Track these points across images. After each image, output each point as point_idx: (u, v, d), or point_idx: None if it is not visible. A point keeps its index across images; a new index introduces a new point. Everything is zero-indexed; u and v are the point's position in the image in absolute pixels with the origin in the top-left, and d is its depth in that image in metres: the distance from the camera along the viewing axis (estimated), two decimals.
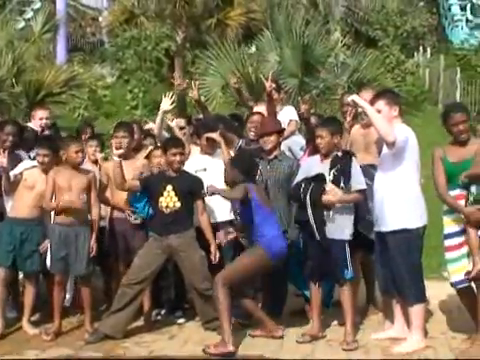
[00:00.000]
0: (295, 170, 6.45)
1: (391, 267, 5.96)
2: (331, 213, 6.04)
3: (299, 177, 6.24)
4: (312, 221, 6.05)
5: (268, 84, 6.85)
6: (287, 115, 7.53)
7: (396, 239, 5.89)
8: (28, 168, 6.67)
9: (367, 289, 6.91)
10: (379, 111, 5.95)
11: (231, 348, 5.88)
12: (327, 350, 6.02)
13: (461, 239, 5.84)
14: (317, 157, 6.24)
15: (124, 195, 6.69)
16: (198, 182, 6.51)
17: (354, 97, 6.11)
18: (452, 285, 5.95)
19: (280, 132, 6.63)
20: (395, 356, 5.81)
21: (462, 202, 5.78)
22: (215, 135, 6.74)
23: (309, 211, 6.06)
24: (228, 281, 5.96)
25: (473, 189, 5.70)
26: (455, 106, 6.29)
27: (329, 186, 6.03)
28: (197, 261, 6.33)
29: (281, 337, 6.26)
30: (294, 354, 5.92)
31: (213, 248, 6.44)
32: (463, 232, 5.82)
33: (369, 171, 6.25)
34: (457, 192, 5.84)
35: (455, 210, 5.83)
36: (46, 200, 6.42)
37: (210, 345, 5.91)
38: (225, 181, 6.30)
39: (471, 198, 5.70)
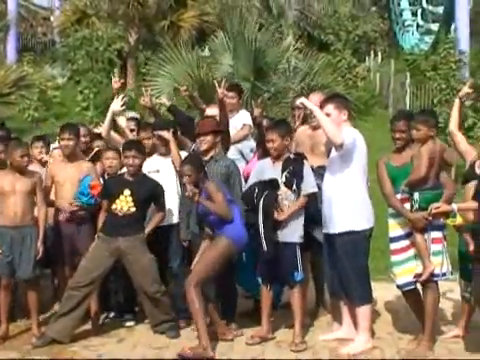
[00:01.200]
0: (232, 170, 6.43)
1: (338, 269, 6.04)
2: (281, 217, 6.07)
3: (251, 180, 6.26)
4: (261, 228, 6.07)
5: (220, 91, 6.82)
6: (241, 119, 7.54)
7: (343, 241, 5.96)
8: None
9: (316, 291, 6.97)
10: (328, 115, 6.01)
11: (210, 353, 5.87)
12: (276, 351, 6.06)
13: (406, 242, 5.92)
14: (269, 160, 6.27)
15: (69, 196, 6.64)
16: (158, 188, 6.48)
17: (303, 100, 6.18)
18: (398, 287, 6.02)
19: (217, 132, 6.56)
20: (342, 357, 5.88)
21: (407, 205, 5.86)
22: (165, 133, 6.72)
23: (260, 218, 6.08)
24: (199, 281, 5.95)
25: (416, 196, 5.79)
26: (400, 114, 6.42)
27: (282, 191, 6.06)
28: (146, 264, 6.31)
29: (232, 339, 6.28)
30: (244, 356, 5.95)
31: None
32: (408, 235, 5.91)
33: (319, 172, 6.29)
34: (400, 196, 5.91)
35: (400, 214, 5.92)
36: None
37: (186, 349, 5.88)
38: (181, 181, 6.31)
39: (415, 205, 5.79)
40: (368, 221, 6.04)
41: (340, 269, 6.01)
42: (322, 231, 6.19)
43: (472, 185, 5.86)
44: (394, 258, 5.99)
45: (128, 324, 6.75)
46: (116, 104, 7.23)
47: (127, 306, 6.87)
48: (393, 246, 5.99)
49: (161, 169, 6.78)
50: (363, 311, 6.00)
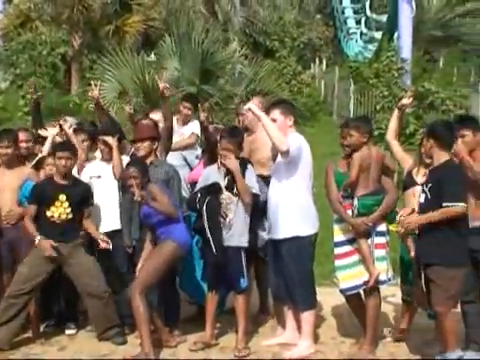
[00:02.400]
0: (172, 175, 6.40)
1: (283, 274, 6.06)
2: (227, 220, 6.08)
3: (198, 186, 6.26)
4: (207, 231, 6.08)
5: (162, 85, 6.76)
6: (191, 128, 7.53)
7: (288, 246, 5.99)
8: None
9: (260, 296, 7.00)
10: (274, 120, 6.05)
11: (152, 357, 5.86)
12: (220, 357, 6.06)
13: (350, 247, 5.98)
14: (215, 166, 6.28)
15: (9, 203, 6.54)
16: (88, 190, 6.46)
17: (250, 105, 6.19)
18: (341, 291, 6.08)
19: (154, 138, 6.53)
20: None
21: (350, 211, 5.92)
22: (110, 139, 6.66)
23: (205, 223, 6.09)
24: (145, 288, 5.91)
25: (355, 202, 5.87)
26: (347, 121, 6.48)
27: (225, 195, 6.07)
28: (90, 265, 6.28)
29: (175, 346, 6.27)
30: None
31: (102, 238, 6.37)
32: (352, 241, 5.97)
33: (259, 181, 6.32)
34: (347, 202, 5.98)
35: (342, 221, 5.98)
36: None
37: (128, 357, 5.85)
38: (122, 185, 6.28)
39: (355, 211, 5.86)
40: (313, 226, 6.09)
41: (285, 274, 6.04)
42: (266, 237, 6.21)
43: (411, 192, 5.98)
44: (338, 263, 6.04)
45: (68, 332, 6.65)
46: (51, 131, 7.13)
47: (69, 314, 6.77)
48: (337, 251, 6.05)
49: (103, 175, 6.72)
50: (307, 316, 6.04)
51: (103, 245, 6.30)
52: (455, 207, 5.26)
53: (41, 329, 6.67)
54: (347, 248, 5.99)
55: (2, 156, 6.64)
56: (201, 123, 7.00)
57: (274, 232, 6.10)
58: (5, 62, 21.01)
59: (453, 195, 5.26)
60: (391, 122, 6.42)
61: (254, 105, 6.20)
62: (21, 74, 19.31)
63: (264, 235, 6.26)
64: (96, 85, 7.40)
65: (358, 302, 6.07)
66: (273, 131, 5.93)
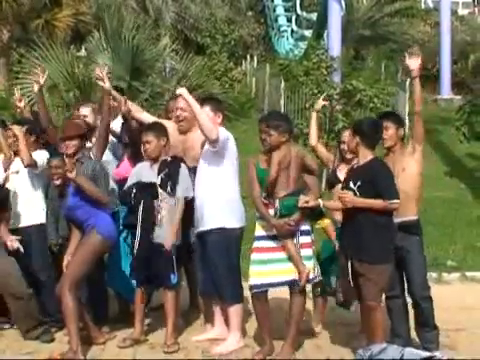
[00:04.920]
0: (98, 171, 6.29)
1: (210, 267, 6.09)
2: (159, 218, 6.09)
3: (130, 181, 6.24)
4: (139, 227, 6.10)
5: (98, 70, 6.71)
6: (119, 123, 7.48)
7: (214, 238, 6.02)
8: None
9: (190, 292, 7.04)
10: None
11: (80, 357, 5.80)
12: (148, 353, 6.07)
13: (269, 244, 5.88)
14: (147, 162, 6.27)
15: None
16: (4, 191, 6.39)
17: (182, 90, 6.14)
18: (250, 288, 5.90)
19: (82, 136, 6.45)
20: (214, 356, 5.95)
21: (272, 211, 5.83)
22: (16, 128, 6.58)
23: (139, 218, 6.10)
24: (73, 283, 5.85)
25: (276, 204, 5.79)
26: (265, 116, 6.45)
27: (159, 193, 6.07)
28: (6, 266, 6.20)
29: (104, 342, 6.25)
30: (115, 357, 5.93)
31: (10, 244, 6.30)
32: (274, 238, 5.87)
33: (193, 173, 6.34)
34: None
35: (264, 219, 5.90)
36: None
37: (56, 353, 5.81)
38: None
39: (278, 213, 5.78)
40: (239, 220, 6.13)
41: (212, 267, 6.07)
42: (194, 231, 6.24)
43: (338, 189, 6.03)
44: (253, 256, 5.92)
45: (5, 327, 6.59)
46: None
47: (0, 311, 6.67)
48: (255, 244, 5.94)
49: (21, 169, 6.65)
50: (234, 310, 6.08)
51: (11, 246, 6.25)
52: (394, 203, 5.39)
53: None
54: (266, 244, 5.89)
55: None
56: (123, 117, 6.98)
57: (200, 224, 6.12)
58: None
59: (391, 192, 5.40)
60: (311, 126, 6.53)
61: (185, 91, 6.17)
62: None
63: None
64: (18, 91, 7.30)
65: (263, 303, 5.93)
66: (204, 119, 5.95)
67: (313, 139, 6.55)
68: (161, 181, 6.11)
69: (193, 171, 6.34)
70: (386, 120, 5.91)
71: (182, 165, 6.17)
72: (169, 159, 6.20)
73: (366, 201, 5.41)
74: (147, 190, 6.12)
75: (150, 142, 6.19)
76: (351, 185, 5.51)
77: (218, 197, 6.04)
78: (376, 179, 5.43)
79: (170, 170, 6.12)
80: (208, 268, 6.14)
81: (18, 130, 6.53)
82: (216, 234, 6.03)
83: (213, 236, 6.04)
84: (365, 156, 5.55)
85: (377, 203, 5.40)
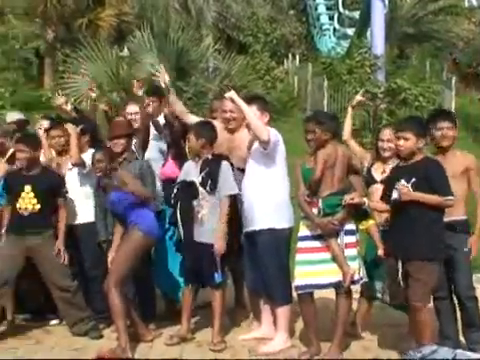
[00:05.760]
0: (145, 170, 6.36)
1: (259, 267, 6.08)
2: (200, 217, 6.10)
3: (178, 179, 6.29)
4: (180, 226, 6.14)
5: (136, 85, 6.79)
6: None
7: (264, 239, 6.01)
8: None
9: (236, 290, 7.04)
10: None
11: (129, 354, 5.85)
12: (195, 351, 6.09)
13: (314, 244, 5.84)
14: (193, 161, 6.28)
15: None
16: (58, 181, 6.44)
17: (232, 94, 6.15)
18: (296, 288, 5.88)
19: (129, 135, 6.53)
20: (261, 356, 5.94)
21: (315, 210, 5.79)
22: (70, 126, 6.65)
23: (178, 215, 6.14)
24: (118, 280, 5.90)
25: (320, 203, 5.75)
26: (310, 116, 6.45)
27: (200, 191, 6.09)
28: (57, 259, 6.28)
29: (151, 340, 6.28)
30: (163, 356, 5.95)
31: (61, 249, 6.34)
32: (318, 238, 5.83)
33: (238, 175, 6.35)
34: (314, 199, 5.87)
35: (308, 218, 5.86)
36: None
37: (104, 350, 5.85)
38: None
39: (321, 212, 5.75)
40: (288, 220, 6.11)
41: (261, 267, 6.06)
42: (243, 230, 6.24)
43: (375, 189, 6.00)
44: (298, 257, 5.89)
45: (53, 323, 6.67)
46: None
47: (48, 306, 6.76)
48: (299, 245, 5.91)
49: (72, 168, 6.72)
50: (282, 310, 6.07)
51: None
52: (450, 200, 5.35)
53: (17, 323, 6.67)
54: (310, 244, 5.85)
55: None
56: (165, 117, 7.02)
57: (249, 224, 6.12)
58: None
59: (446, 189, 5.35)
60: (346, 122, 6.47)
61: (234, 94, 6.16)
62: None
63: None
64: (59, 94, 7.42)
65: (310, 304, 5.90)
66: (255, 120, 5.95)
67: (346, 134, 6.48)
68: (202, 180, 6.11)
69: (238, 171, 6.34)
70: (443, 120, 5.83)
71: (223, 163, 6.15)
72: (210, 157, 6.20)
73: (423, 196, 5.35)
74: (187, 189, 6.14)
75: (190, 140, 6.23)
76: (403, 183, 5.43)
77: (268, 198, 6.02)
78: (431, 176, 5.37)
79: (211, 168, 6.12)
80: (257, 267, 6.13)
81: (72, 129, 6.61)
82: (266, 235, 6.02)
83: (263, 237, 6.03)
84: (416, 154, 5.49)
85: (433, 198, 5.34)
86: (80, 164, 6.58)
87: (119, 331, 5.91)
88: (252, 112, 6.02)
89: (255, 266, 6.14)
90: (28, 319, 6.80)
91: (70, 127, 6.62)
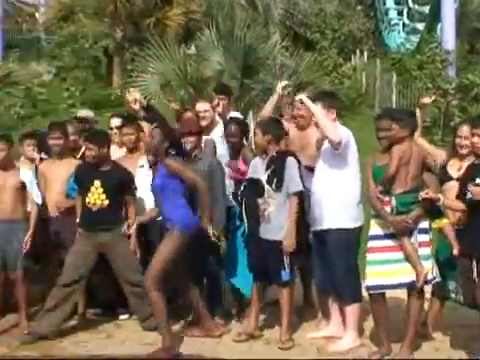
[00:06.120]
0: (214, 168, 6.44)
1: (328, 266, 6.04)
2: (266, 213, 6.08)
3: (247, 176, 6.30)
4: (246, 224, 6.15)
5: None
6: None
7: (333, 238, 5.96)
8: None
9: (304, 288, 7.00)
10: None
11: (176, 350, 5.89)
12: (263, 348, 6.08)
13: (386, 243, 5.77)
14: (260, 158, 6.27)
15: (57, 193, 6.69)
16: (127, 177, 6.49)
17: (302, 97, 6.14)
18: (367, 288, 5.82)
19: (199, 133, 6.59)
20: (330, 355, 5.89)
21: (388, 208, 5.71)
22: (146, 126, 6.74)
23: (243, 212, 6.15)
24: (157, 278, 5.89)
25: (393, 201, 5.66)
26: (383, 112, 6.36)
27: (266, 188, 6.07)
28: (129, 255, 6.36)
29: (219, 336, 6.29)
30: (231, 353, 5.96)
31: (133, 246, 6.43)
32: (390, 237, 5.75)
33: (305, 172, 6.29)
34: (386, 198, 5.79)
35: (380, 216, 5.79)
36: None
37: (157, 348, 5.88)
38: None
39: (394, 210, 5.66)
40: (358, 219, 6.04)
41: (331, 266, 6.01)
42: (311, 229, 6.20)
43: (449, 187, 5.88)
44: (369, 257, 5.82)
45: (122, 317, 6.75)
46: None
47: (119, 300, 6.85)
48: (371, 244, 5.84)
49: (145, 164, 6.78)
50: (352, 309, 6.01)
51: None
52: None
53: (88, 317, 6.79)
54: (383, 243, 5.77)
55: (53, 147, 6.84)
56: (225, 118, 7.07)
57: (318, 224, 6.08)
58: (48, 55, 21.32)
59: None
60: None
61: (305, 97, 6.16)
62: (64, 67, 19.55)
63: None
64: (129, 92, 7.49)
65: (382, 304, 5.83)
66: (325, 122, 5.91)
67: (416, 133, 6.36)
68: (268, 177, 6.09)
69: (308, 169, 6.30)
70: None
71: (289, 159, 6.10)
72: (276, 154, 6.16)
73: (452, 203, 5.27)
74: (253, 186, 6.13)
75: (256, 135, 6.23)
76: (478, 181, 5.31)
77: (338, 197, 5.96)
78: None
79: (276, 166, 6.09)
80: (326, 265, 6.08)
81: (147, 127, 6.68)
82: (336, 234, 5.97)
83: (333, 236, 5.98)
84: None
85: (458, 204, 5.23)
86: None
87: (163, 328, 5.91)
88: (323, 114, 5.96)
89: (324, 264, 6.10)
90: (99, 313, 6.91)
91: (145, 125, 6.68)
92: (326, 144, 6.03)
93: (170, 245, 5.95)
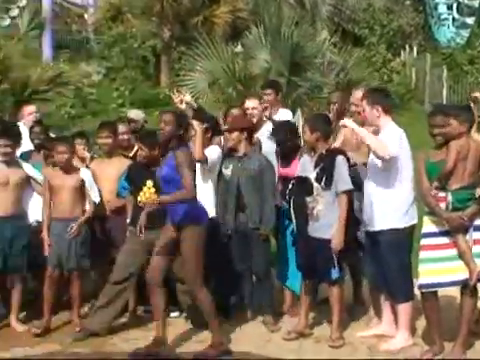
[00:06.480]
0: (265, 166, 6.43)
1: (381, 264, 5.97)
2: (315, 212, 6.04)
3: (297, 173, 6.27)
4: (294, 222, 6.13)
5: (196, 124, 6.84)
6: (283, 117, 7.50)
7: (386, 238, 5.88)
8: None
9: (354, 287, 6.94)
10: (363, 111, 5.98)
11: (227, 347, 5.91)
12: (313, 347, 6.05)
13: (440, 240, 5.70)
14: (309, 156, 6.25)
15: (108, 193, 6.76)
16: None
17: (346, 121, 6.11)
18: (419, 287, 5.78)
19: (243, 129, 6.54)
20: (381, 354, 5.85)
21: (443, 205, 5.65)
22: (195, 123, 6.69)
23: (291, 211, 6.12)
24: (199, 278, 5.83)
25: (449, 197, 5.59)
26: (436, 109, 6.25)
27: (315, 187, 6.03)
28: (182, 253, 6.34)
29: (272, 331, 6.34)
30: (280, 351, 5.95)
31: None
32: (444, 234, 5.69)
33: (362, 170, 6.23)
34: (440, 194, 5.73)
35: (435, 213, 5.72)
36: (44, 202, 6.55)
37: (207, 346, 5.88)
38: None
39: (450, 206, 5.60)
40: (411, 218, 5.95)
41: (383, 265, 5.94)
42: (363, 228, 6.13)
43: None
44: (422, 255, 5.76)
45: (173, 315, 6.76)
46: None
47: (169, 298, 6.85)
48: (424, 242, 5.77)
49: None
50: (404, 308, 5.94)
51: None
52: None
53: (138, 314, 6.84)
54: (436, 241, 5.71)
55: (102, 146, 6.93)
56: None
57: (370, 224, 6.01)
58: (97, 55, 21.54)
59: None
60: None
61: (349, 121, 6.10)
62: (113, 67, 19.73)
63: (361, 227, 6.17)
64: (179, 92, 7.47)
65: (434, 303, 5.76)
66: (373, 141, 5.83)
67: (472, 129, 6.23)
68: (316, 175, 6.05)
69: (364, 166, 6.23)
70: None
71: (338, 158, 6.05)
72: (324, 152, 6.12)
73: None
74: (302, 185, 6.09)
75: (304, 133, 6.20)
76: None
77: (391, 197, 5.88)
78: None
79: (325, 164, 6.05)
80: (378, 264, 6.01)
81: (198, 126, 6.68)
82: (388, 235, 5.89)
83: (385, 236, 5.90)
84: None
85: None
86: (204, 161, 6.62)
87: (212, 326, 5.89)
88: (369, 134, 5.88)
89: (376, 263, 6.03)
90: (149, 311, 6.92)
91: (196, 124, 6.68)
92: None
93: (199, 241, 5.84)
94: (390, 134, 5.88)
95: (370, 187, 6.00)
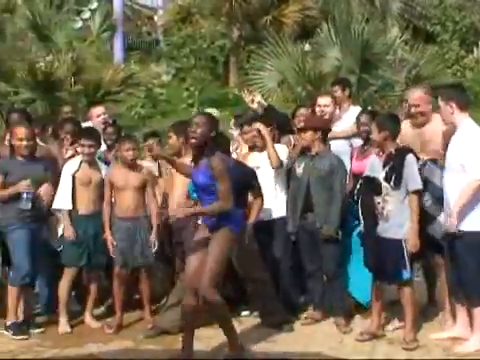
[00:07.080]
0: (336, 166, 6.39)
1: (459, 267, 5.82)
2: (385, 212, 5.94)
3: (365, 173, 6.20)
4: (362, 220, 6.08)
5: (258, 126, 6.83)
6: (352, 115, 7.42)
7: (464, 240, 5.74)
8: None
9: (428, 288, 6.81)
10: (438, 107, 5.87)
11: (244, 353, 5.75)
12: (387, 348, 5.96)
13: None
14: (377, 156, 6.17)
15: (180, 192, 6.73)
16: (250, 174, 6.51)
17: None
18: None
19: (316, 129, 6.48)
20: (457, 356, 5.72)
21: None
22: (261, 126, 6.71)
23: (360, 210, 6.07)
24: (214, 280, 5.60)
25: None
26: None
27: (384, 186, 5.94)
28: (250, 252, 6.38)
29: (344, 332, 6.29)
30: (354, 352, 5.89)
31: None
32: None
33: (430, 166, 6.10)
34: None
35: None
36: (105, 201, 6.61)
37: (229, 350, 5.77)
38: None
39: None
40: None
41: (461, 267, 5.80)
42: (443, 230, 5.96)
43: None
44: None
45: (244, 314, 6.77)
46: None
47: (240, 297, 6.87)
48: None
49: (261, 165, 6.78)
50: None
51: None
52: None
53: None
54: None
55: (171, 147, 6.90)
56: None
57: (451, 225, 5.83)
58: (167, 56, 21.77)
59: None
60: None
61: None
62: (183, 67, 19.91)
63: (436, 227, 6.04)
64: (251, 93, 7.45)
65: None
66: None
67: None
68: (385, 175, 5.94)
69: (431, 162, 6.10)
70: None
71: (408, 156, 5.92)
72: (393, 151, 6.00)
73: None
74: (370, 185, 6.01)
75: (372, 132, 6.12)
76: None
77: (472, 199, 5.71)
78: None
79: (394, 163, 5.94)
80: (454, 265, 5.87)
81: (264, 128, 6.67)
82: (466, 236, 5.74)
83: (464, 238, 5.74)
84: None
85: None
86: (279, 166, 6.60)
87: (227, 333, 5.72)
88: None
89: (452, 264, 5.90)
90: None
91: (261, 126, 6.65)
92: (453, 143, 5.81)
93: (226, 245, 5.64)
94: (466, 132, 5.74)
95: (447, 188, 5.84)
